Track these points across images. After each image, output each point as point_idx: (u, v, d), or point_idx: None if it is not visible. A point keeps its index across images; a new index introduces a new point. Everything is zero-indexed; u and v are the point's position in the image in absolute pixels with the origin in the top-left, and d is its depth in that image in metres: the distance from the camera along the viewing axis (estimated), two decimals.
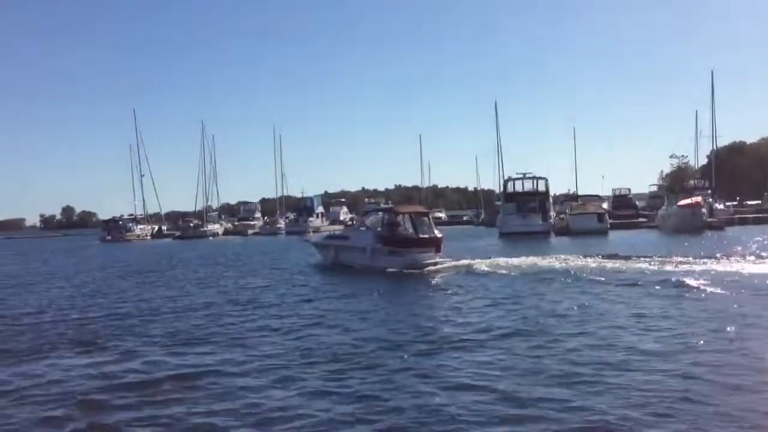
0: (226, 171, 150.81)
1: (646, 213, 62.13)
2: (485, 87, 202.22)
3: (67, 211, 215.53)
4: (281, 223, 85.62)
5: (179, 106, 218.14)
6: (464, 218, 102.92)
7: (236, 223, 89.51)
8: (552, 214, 55.10)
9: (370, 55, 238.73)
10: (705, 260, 21.40)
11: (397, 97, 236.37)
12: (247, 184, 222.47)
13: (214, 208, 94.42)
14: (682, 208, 47.14)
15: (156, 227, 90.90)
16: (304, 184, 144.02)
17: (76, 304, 18.01)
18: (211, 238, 76.93)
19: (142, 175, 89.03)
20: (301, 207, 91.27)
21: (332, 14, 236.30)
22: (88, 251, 56.10)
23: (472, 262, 24.22)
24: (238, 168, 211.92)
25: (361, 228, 28.21)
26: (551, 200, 58.27)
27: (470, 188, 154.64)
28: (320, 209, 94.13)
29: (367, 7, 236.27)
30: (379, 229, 25.61)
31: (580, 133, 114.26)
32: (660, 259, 22.18)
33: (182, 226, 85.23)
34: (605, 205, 61.38)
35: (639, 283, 17.08)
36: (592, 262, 22.50)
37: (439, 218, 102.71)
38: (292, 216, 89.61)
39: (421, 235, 24.71)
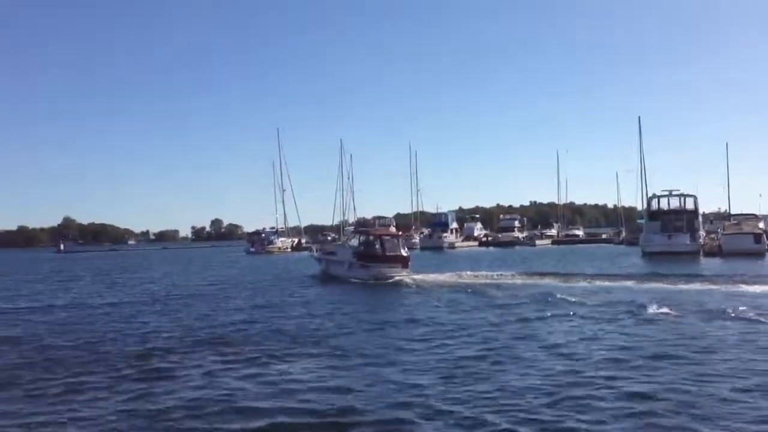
0: (362, 186, 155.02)
1: None
2: (628, 101, 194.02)
3: (216, 223, 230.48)
4: (416, 239, 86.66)
5: (319, 124, 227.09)
6: (603, 236, 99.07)
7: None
8: (701, 233, 52.03)
9: (506, 70, 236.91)
10: None
11: (534, 113, 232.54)
12: (382, 199, 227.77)
13: (350, 222, 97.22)
14: None
15: (296, 240, 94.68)
16: (439, 200, 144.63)
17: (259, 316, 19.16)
18: None
19: (283, 190, 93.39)
20: (436, 222, 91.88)
21: (465, 33, 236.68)
22: (240, 263, 59.42)
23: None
24: (374, 183, 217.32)
25: (345, 246, 33.89)
26: (700, 219, 55.03)
27: (610, 205, 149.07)
28: (454, 225, 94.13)
29: (499, 22, 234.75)
30: (361, 247, 30.84)
31: (733, 148, 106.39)
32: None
33: (320, 239, 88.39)
34: (762, 225, 56.95)
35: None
36: None
37: (576, 236, 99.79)
38: (426, 231, 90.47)
39: (388, 253, 29.97)
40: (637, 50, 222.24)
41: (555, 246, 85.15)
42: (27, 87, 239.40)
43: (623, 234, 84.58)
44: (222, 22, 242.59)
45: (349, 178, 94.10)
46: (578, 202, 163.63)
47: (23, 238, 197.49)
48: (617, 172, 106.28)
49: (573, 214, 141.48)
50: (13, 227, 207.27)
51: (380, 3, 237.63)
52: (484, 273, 31.15)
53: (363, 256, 29.92)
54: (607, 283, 24.99)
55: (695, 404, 8.37)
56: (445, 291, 24.40)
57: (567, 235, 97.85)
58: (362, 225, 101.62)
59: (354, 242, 32.79)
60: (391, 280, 28.20)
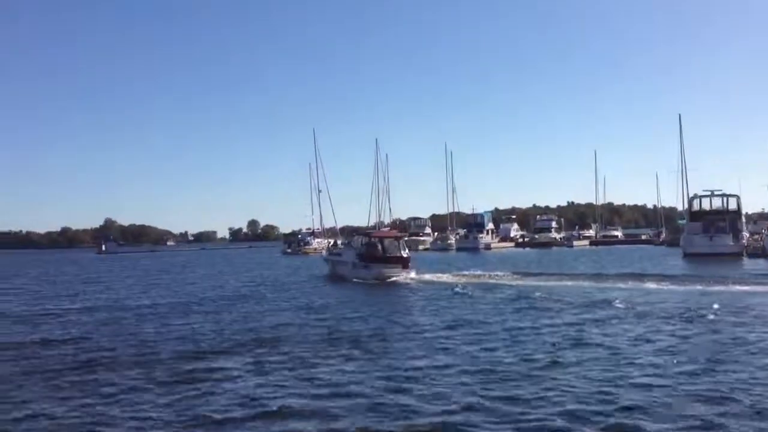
0: (397, 187, 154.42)
1: None
2: (667, 99, 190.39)
3: (253, 224, 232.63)
4: (452, 239, 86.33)
5: (355, 125, 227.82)
6: (642, 237, 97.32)
7: (406, 239, 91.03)
8: (745, 234, 50.78)
9: (543, 68, 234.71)
10: None
11: (570, 111, 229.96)
12: (418, 199, 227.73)
13: (385, 223, 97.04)
14: None
15: (332, 241, 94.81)
16: (475, 201, 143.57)
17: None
18: None
19: (319, 192, 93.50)
20: (472, 223, 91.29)
21: (501, 32, 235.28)
22: (277, 264, 59.96)
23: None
24: (409, 184, 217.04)
25: (351, 248, 35.14)
26: (743, 219, 53.70)
27: (649, 206, 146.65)
28: (490, 225, 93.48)
29: (535, 21, 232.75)
30: (364, 248, 32.32)
31: None
32: None
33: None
34: None
35: None
36: None
37: (615, 236, 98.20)
38: (462, 232, 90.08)
39: (389, 254, 31.62)
40: (678, 47, 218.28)
41: (593, 247, 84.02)
42: (68, 91, 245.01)
43: (663, 235, 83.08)
44: (258, 23, 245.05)
45: (384, 179, 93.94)
46: (617, 202, 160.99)
47: (66, 239, 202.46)
48: (657, 172, 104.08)
49: (611, 214, 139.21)
50: (57, 228, 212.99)
51: (414, 1, 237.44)
52: (482, 273, 32.49)
53: (365, 257, 31.53)
54: (649, 285, 24.54)
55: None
56: (448, 291, 25.03)
57: (605, 236, 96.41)
58: (398, 226, 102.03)
59: (356, 243, 34.39)
60: (390, 280, 29.52)
